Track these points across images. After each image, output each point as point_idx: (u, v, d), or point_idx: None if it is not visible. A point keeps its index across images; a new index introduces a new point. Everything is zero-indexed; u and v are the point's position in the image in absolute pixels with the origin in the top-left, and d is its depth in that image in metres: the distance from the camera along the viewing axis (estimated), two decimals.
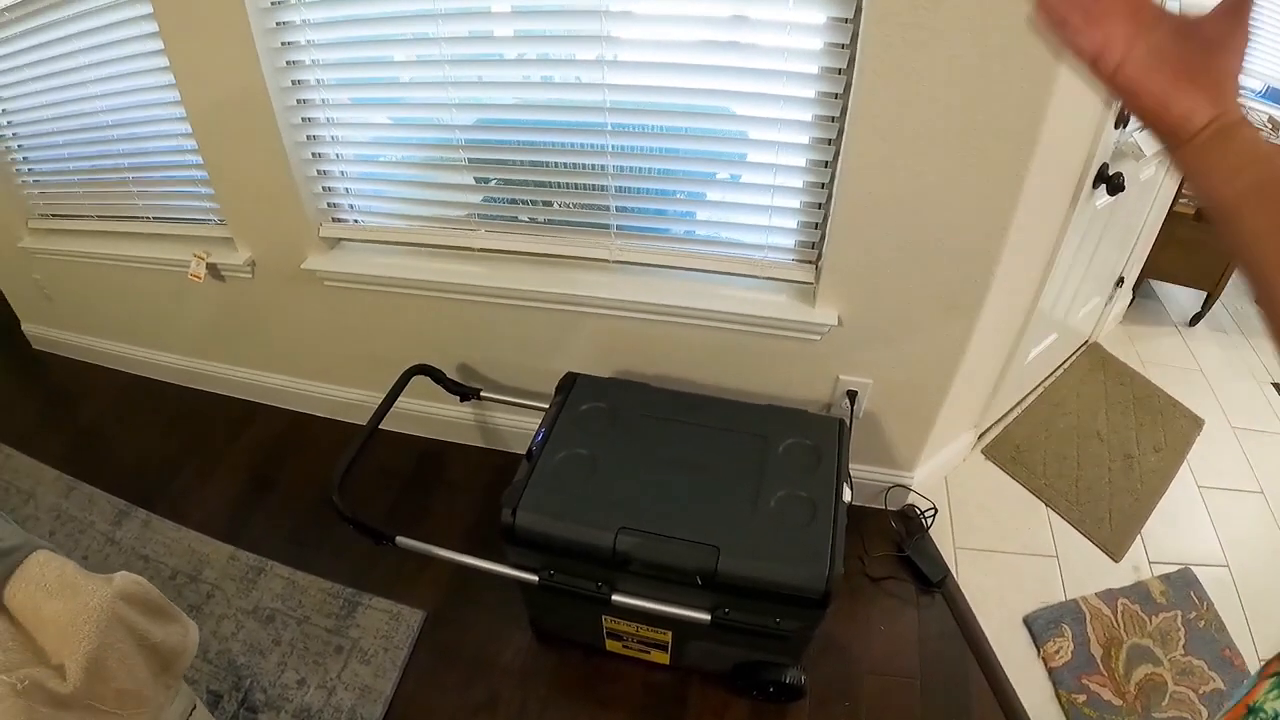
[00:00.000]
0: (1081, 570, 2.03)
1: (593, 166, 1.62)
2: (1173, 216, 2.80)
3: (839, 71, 1.39)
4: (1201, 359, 3.01)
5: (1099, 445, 2.47)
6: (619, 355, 1.87)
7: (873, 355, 1.74)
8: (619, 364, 1.89)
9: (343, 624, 1.79)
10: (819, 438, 1.55)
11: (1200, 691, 1.78)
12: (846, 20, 1.33)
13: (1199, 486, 2.37)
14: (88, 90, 1.97)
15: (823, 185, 1.55)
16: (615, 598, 1.40)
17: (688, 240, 1.70)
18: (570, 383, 1.67)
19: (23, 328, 2.84)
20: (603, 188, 1.66)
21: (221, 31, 1.57)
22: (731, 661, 1.57)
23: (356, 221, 1.88)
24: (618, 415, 1.58)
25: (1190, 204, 2.87)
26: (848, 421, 1.65)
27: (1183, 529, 2.22)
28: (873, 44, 1.29)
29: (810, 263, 1.66)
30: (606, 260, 1.72)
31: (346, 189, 1.83)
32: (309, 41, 1.61)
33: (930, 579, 1.93)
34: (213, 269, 2.03)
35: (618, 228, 1.70)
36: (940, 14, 1.24)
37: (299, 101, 1.69)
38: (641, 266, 1.73)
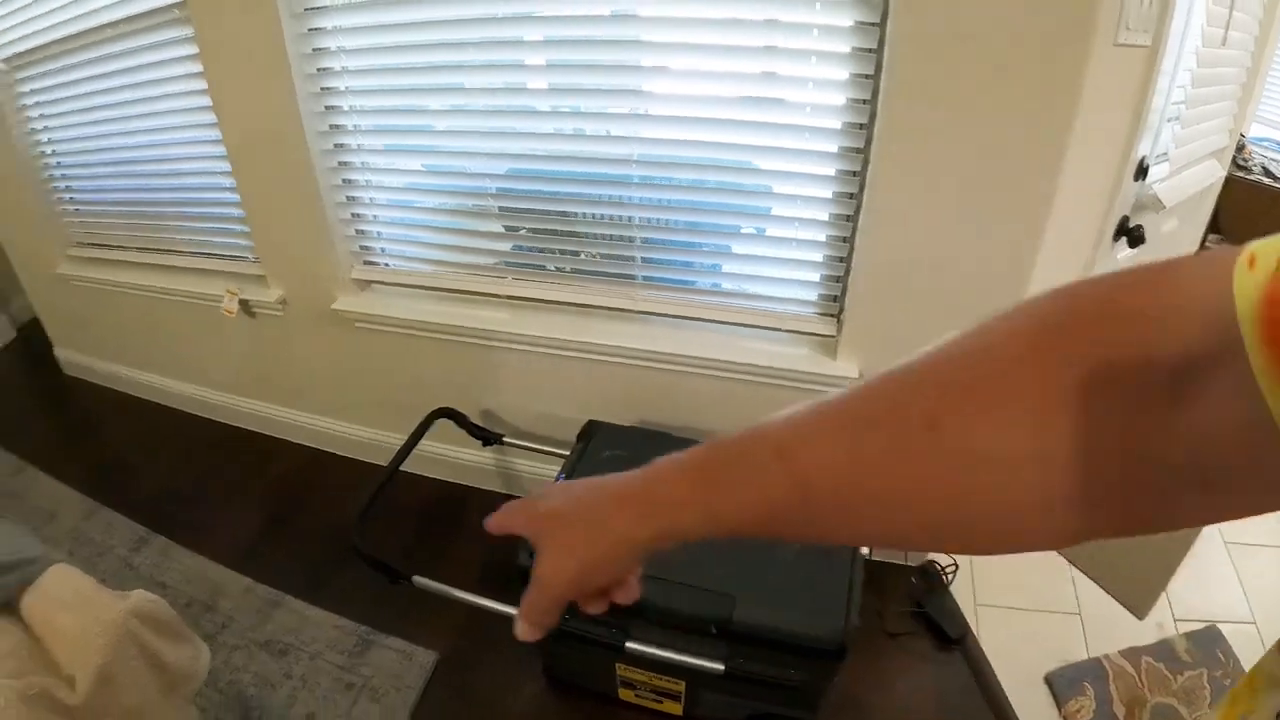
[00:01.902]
0: (1104, 628, 1.99)
1: (619, 218, 1.65)
2: None
3: (860, 126, 1.42)
4: None
5: None
6: (641, 404, 1.88)
7: None
8: (640, 413, 1.90)
9: (355, 661, 1.79)
10: None
11: None
12: (867, 77, 1.36)
13: (1225, 542, 2.33)
14: (131, 124, 2.04)
15: (844, 239, 1.57)
16: (629, 645, 1.39)
17: (711, 293, 1.72)
18: (591, 431, 1.68)
19: (55, 352, 2.90)
20: (629, 239, 1.68)
21: (263, 74, 1.64)
22: (745, 713, 1.54)
23: (387, 265, 1.92)
24: (638, 463, 1.58)
25: None
26: None
27: (1209, 586, 2.18)
28: (892, 100, 1.32)
29: (832, 316, 1.67)
30: (631, 310, 1.74)
31: (379, 233, 1.88)
32: (347, 88, 1.67)
33: (949, 635, 1.90)
34: (244, 305, 2.07)
35: (643, 278, 1.73)
36: (958, 77, 1.26)
37: (335, 146, 1.74)
38: (665, 317, 1.75)
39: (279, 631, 1.86)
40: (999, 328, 0.36)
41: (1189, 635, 2.00)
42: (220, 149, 1.86)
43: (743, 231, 1.65)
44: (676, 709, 1.61)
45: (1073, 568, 2.18)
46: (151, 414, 2.67)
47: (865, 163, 1.44)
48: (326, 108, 1.69)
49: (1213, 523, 0.32)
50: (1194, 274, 0.31)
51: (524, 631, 0.51)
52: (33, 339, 3.05)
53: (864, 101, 1.39)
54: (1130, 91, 1.47)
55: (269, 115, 1.69)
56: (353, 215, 1.85)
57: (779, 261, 1.65)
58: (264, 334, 2.18)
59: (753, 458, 0.42)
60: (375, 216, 1.85)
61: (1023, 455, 0.34)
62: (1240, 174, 2.65)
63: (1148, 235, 1.79)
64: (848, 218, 1.54)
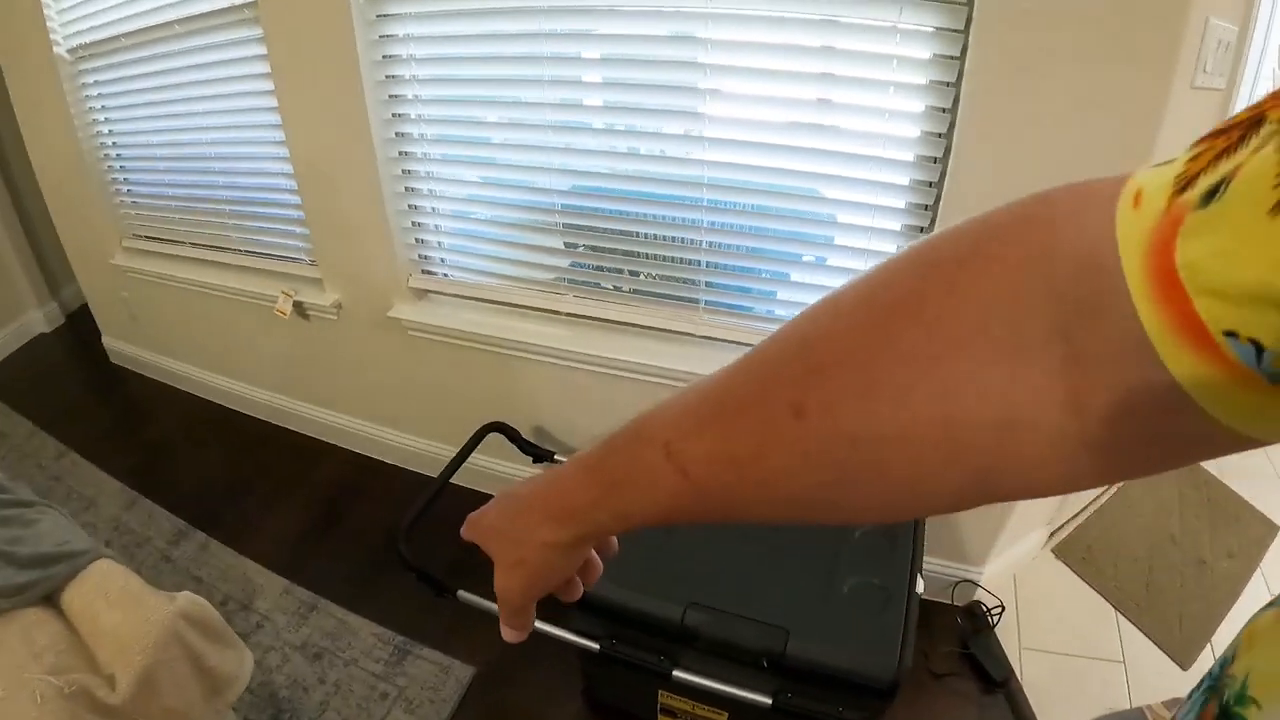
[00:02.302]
0: (1148, 677, 1.93)
1: (685, 240, 1.64)
2: None
3: (934, 160, 1.40)
4: (1277, 462, 2.91)
5: (1172, 549, 2.38)
6: None
7: None
8: None
9: (391, 671, 1.78)
10: (894, 525, 1.52)
11: None
12: (944, 110, 1.34)
13: (1271, 594, 2.27)
14: (194, 120, 2.07)
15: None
16: (676, 673, 1.37)
17: (775, 320, 1.70)
18: None
19: (103, 340, 2.94)
20: (694, 262, 1.67)
21: (332, 78, 1.65)
22: None
23: (446, 275, 1.93)
24: None
25: None
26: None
27: None
28: (968, 136, 1.30)
29: None
30: (693, 335, 1.73)
31: (440, 243, 1.88)
32: (415, 96, 1.68)
33: (994, 678, 1.86)
34: (299, 307, 2.09)
35: (706, 303, 1.71)
36: (1036, 116, 1.25)
37: (401, 154, 1.75)
38: (727, 343, 1.73)
39: (315, 635, 1.86)
40: (847, 297, 0.35)
41: None
42: (283, 150, 1.87)
43: (804, 259, 1.63)
44: None
45: (1119, 614, 2.13)
46: (197, 408, 2.70)
47: (938, 198, 1.42)
48: (394, 115, 1.70)
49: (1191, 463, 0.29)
50: (1069, 212, 0.28)
51: (509, 635, 0.56)
52: (81, 326, 3.10)
53: (939, 135, 1.37)
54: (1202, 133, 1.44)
55: (336, 119, 1.70)
56: (414, 224, 1.85)
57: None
58: (316, 337, 2.19)
59: (642, 459, 0.41)
60: (437, 226, 1.86)
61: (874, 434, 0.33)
62: None
63: None
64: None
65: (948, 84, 1.32)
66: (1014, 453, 0.29)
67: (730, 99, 1.47)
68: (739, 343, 1.72)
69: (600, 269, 1.80)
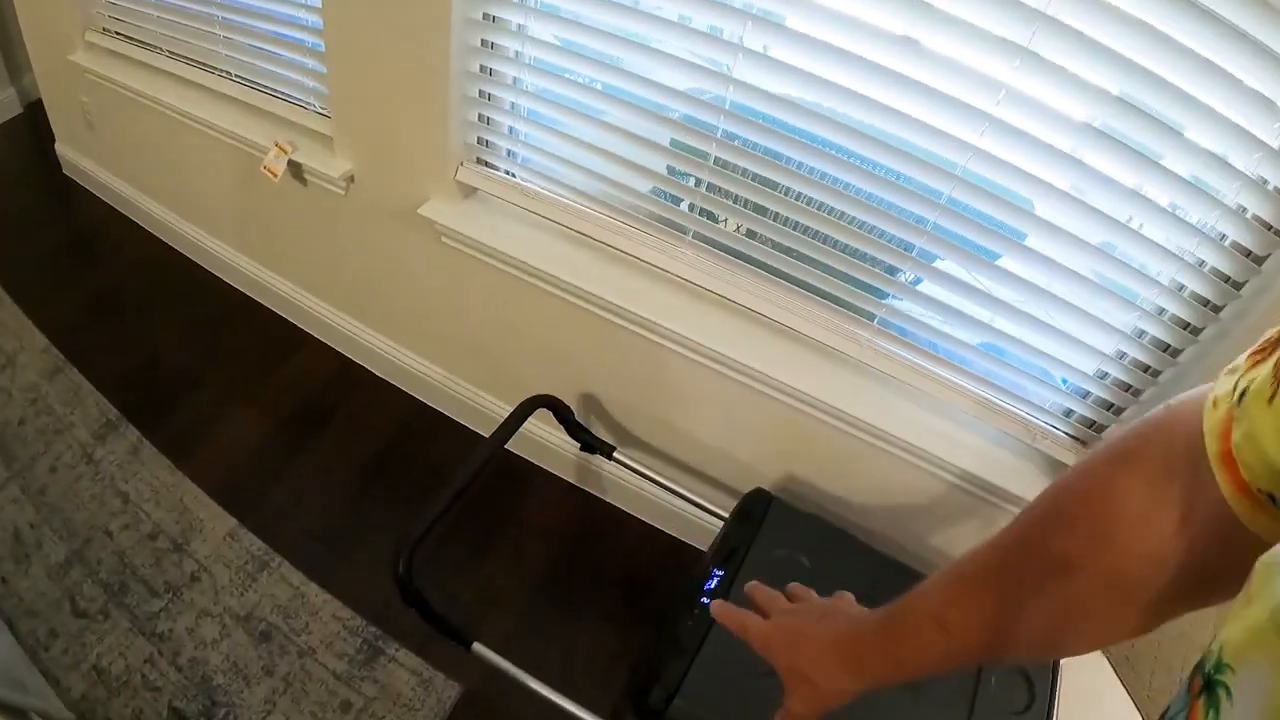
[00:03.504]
0: None
1: (890, 238, 1.16)
2: None
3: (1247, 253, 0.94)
4: None
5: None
6: (798, 458, 1.43)
7: None
8: (796, 468, 1.44)
9: (357, 673, 1.38)
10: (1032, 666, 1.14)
11: None
12: None
13: None
14: None
15: (1148, 369, 1.13)
16: None
17: (952, 365, 1.24)
18: (761, 506, 1.22)
19: (56, 147, 2.37)
20: (891, 269, 1.19)
21: None
22: None
23: (510, 175, 1.39)
24: (820, 577, 1.15)
25: None
26: None
27: None
28: None
29: (1083, 442, 1.23)
30: (845, 354, 1.26)
31: (511, 129, 1.34)
32: None
33: None
34: (295, 168, 1.55)
35: (880, 321, 1.24)
36: None
37: None
38: (883, 375, 1.26)
39: (265, 605, 1.45)
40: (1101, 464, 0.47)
41: None
42: None
43: (1020, 308, 1.15)
44: None
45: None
46: (156, 254, 2.16)
47: (1227, 298, 1.00)
48: None
49: None
50: (1183, 415, 0.42)
51: None
52: (39, 122, 2.50)
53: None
54: None
55: None
56: (482, 94, 1.30)
57: (1051, 360, 1.18)
58: (315, 210, 1.67)
59: (917, 627, 0.54)
60: (514, 106, 1.31)
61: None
62: None
63: None
64: (1168, 347, 1.08)
65: None
66: (1152, 581, 0.43)
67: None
68: (898, 379, 1.26)
69: (740, 230, 1.28)
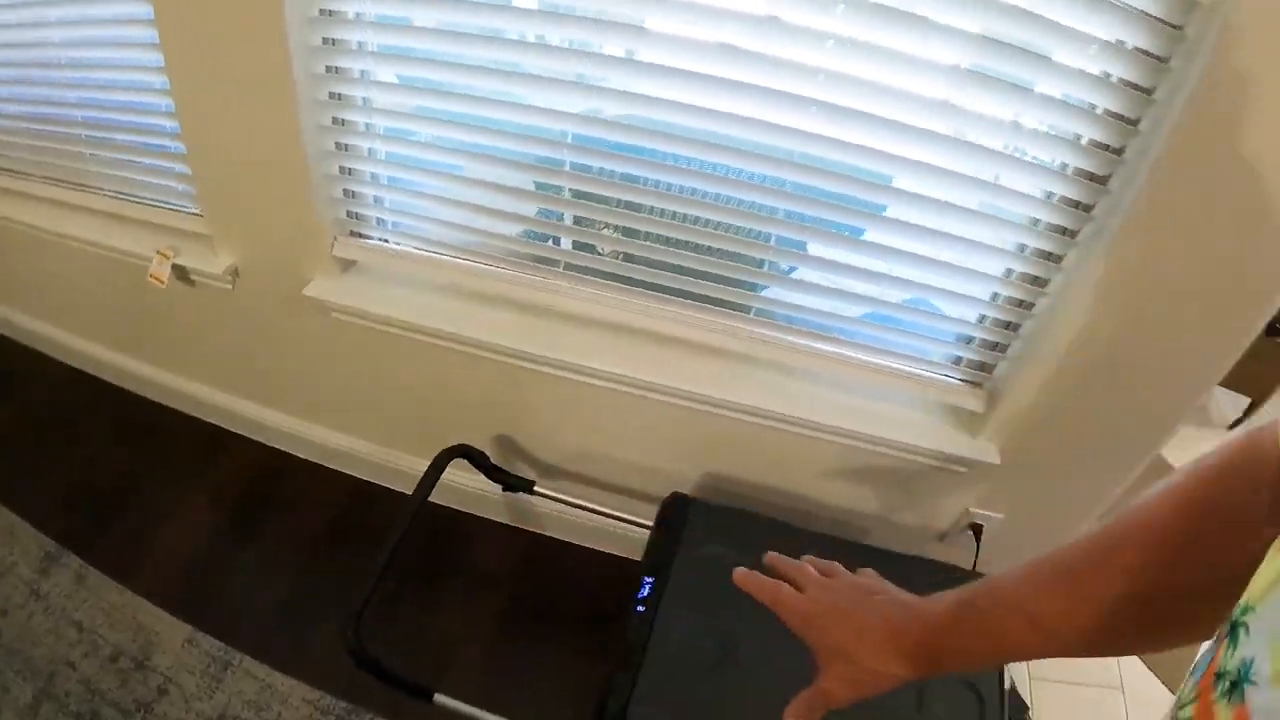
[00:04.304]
0: (1145, 702, 1.89)
1: (747, 232, 1.23)
2: None
3: (1092, 177, 1.04)
4: None
5: None
6: (716, 457, 1.50)
7: (1014, 491, 1.44)
8: (714, 466, 1.52)
9: None
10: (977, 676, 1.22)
11: None
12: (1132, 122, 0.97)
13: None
14: (39, 13, 1.49)
15: (1022, 303, 1.20)
16: None
17: (835, 338, 1.31)
18: (680, 512, 1.28)
19: None
20: (753, 261, 1.26)
21: None
22: None
23: (384, 242, 1.43)
24: (747, 563, 1.20)
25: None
26: (973, 556, 1.42)
27: None
28: (1153, 173, 0.97)
29: (978, 386, 1.32)
30: (731, 351, 1.33)
31: (377, 198, 1.38)
32: None
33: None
34: (180, 272, 1.57)
35: (756, 311, 1.30)
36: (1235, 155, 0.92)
37: (330, 70, 1.23)
38: (773, 363, 1.34)
39: (235, 704, 1.46)
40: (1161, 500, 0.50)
41: None
42: (156, 55, 1.32)
43: (892, 274, 1.23)
44: None
45: None
46: (63, 379, 2.14)
47: (1082, 225, 1.08)
48: (322, 12, 1.17)
49: None
50: (1272, 437, 0.44)
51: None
52: None
53: (1113, 150, 1.01)
54: None
55: (232, 9, 1.16)
56: (343, 170, 1.33)
57: (926, 313, 1.27)
58: (207, 309, 1.68)
59: (1004, 625, 0.54)
60: (376, 176, 1.35)
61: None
62: None
63: None
64: (1036, 279, 1.17)
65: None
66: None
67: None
68: (787, 365, 1.32)
69: (609, 255, 1.34)
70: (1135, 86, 0.96)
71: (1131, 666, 1.95)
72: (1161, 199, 0.99)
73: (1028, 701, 1.72)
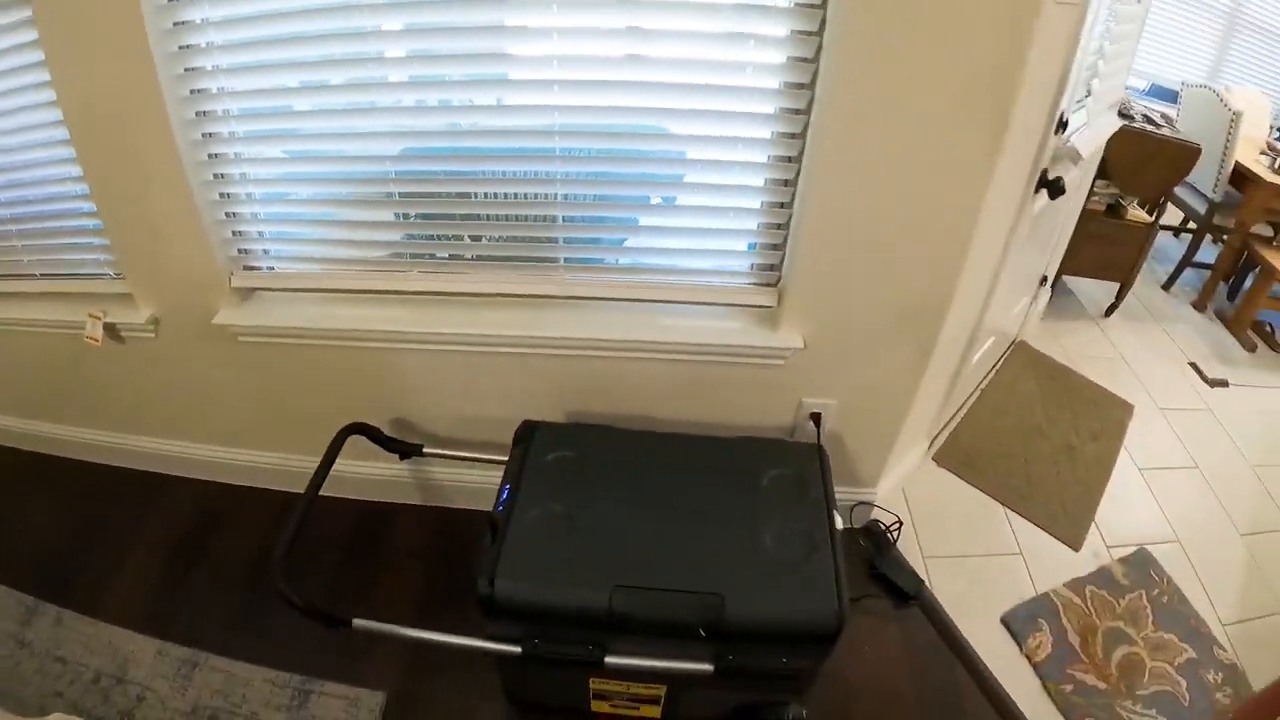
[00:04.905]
0: (1046, 563, 2.06)
1: (538, 196, 1.52)
2: (1086, 214, 2.90)
3: (801, 86, 1.34)
4: (1121, 347, 3.13)
5: (1041, 440, 2.52)
6: (572, 396, 1.77)
7: (836, 375, 1.72)
8: (573, 406, 1.79)
9: (296, 716, 1.61)
10: (799, 466, 1.50)
11: (1175, 663, 1.84)
12: (811, 33, 1.28)
13: (1139, 469, 2.45)
14: None
15: (783, 205, 1.49)
16: (609, 660, 1.29)
17: (642, 270, 1.62)
18: (529, 432, 1.55)
19: None
20: (549, 219, 1.55)
21: (117, 53, 1.38)
22: (730, 706, 1.48)
23: (272, 269, 1.70)
24: (587, 463, 1.48)
25: (1101, 200, 2.97)
26: (816, 445, 1.62)
27: (1132, 511, 2.29)
28: (839, 58, 1.26)
29: (770, 285, 1.62)
30: (555, 296, 1.62)
31: (259, 233, 1.66)
32: (214, 66, 1.44)
33: (906, 592, 1.91)
34: (111, 330, 1.81)
35: (566, 260, 1.60)
36: (911, 31, 1.21)
37: (205, 135, 1.51)
38: (592, 301, 1.63)
39: (204, 695, 1.66)
40: None
41: (1123, 560, 2.10)
42: (69, 150, 1.58)
43: (676, 203, 1.55)
44: (655, 713, 1.53)
45: (1006, 509, 2.23)
46: (18, 464, 2.34)
47: (806, 124, 1.37)
48: (193, 91, 1.45)
49: None
50: None
51: None
52: None
53: (807, 60, 1.31)
54: (1060, 48, 1.47)
55: (125, 104, 1.43)
56: (228, 215, 1.61)
57: (712, 232, 1.57)
58: (138, 360, 1.91)
59: None
60: (254, 214, 1.62)
61: None
62: (1125, 122, 2.74)
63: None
64: (787, 182, 1.46)
65: (815, 4, 1.25)
66: None
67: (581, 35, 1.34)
68: (607, 299, 1.63)
69: (444, 238, 1.65)
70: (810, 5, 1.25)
71: (1025, 529, 2.14)
72: (848, 79, 1.26)
73: (924, 578, 1.94)
